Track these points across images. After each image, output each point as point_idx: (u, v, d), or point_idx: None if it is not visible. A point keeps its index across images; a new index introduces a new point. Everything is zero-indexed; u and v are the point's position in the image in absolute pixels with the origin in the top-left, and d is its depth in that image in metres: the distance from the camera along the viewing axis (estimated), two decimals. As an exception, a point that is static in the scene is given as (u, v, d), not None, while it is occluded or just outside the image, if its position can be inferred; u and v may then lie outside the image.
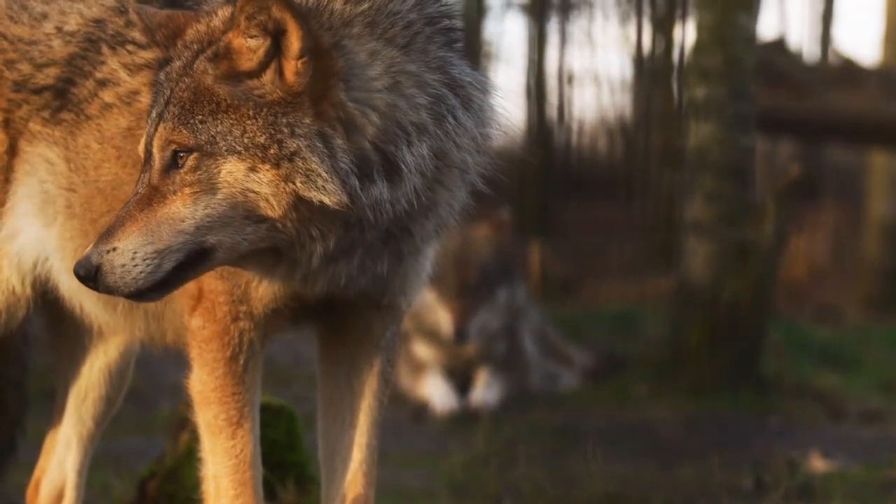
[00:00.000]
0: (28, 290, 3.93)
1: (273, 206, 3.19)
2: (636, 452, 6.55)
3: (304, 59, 3.18)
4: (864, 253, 12.79)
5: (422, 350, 8.32)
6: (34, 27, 3.87)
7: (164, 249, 3.20)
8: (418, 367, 8.32)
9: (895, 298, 12.30)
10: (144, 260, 3.19)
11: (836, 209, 14.31)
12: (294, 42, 3.18)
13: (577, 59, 15.67)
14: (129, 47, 3.76)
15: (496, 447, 6.65)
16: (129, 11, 3.72)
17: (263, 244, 3.25)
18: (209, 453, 3.59)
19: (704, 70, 7.90)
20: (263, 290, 3.50)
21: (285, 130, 3.18)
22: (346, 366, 3.67)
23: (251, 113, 3.19)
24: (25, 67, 3.85)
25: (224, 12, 3.33)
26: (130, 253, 3.20)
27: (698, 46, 7.99)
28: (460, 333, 8.08)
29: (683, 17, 13.84)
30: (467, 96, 3.39)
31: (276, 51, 3.20)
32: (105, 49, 3.78)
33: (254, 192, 3.19)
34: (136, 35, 3.70)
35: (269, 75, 3.20)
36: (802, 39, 16.70)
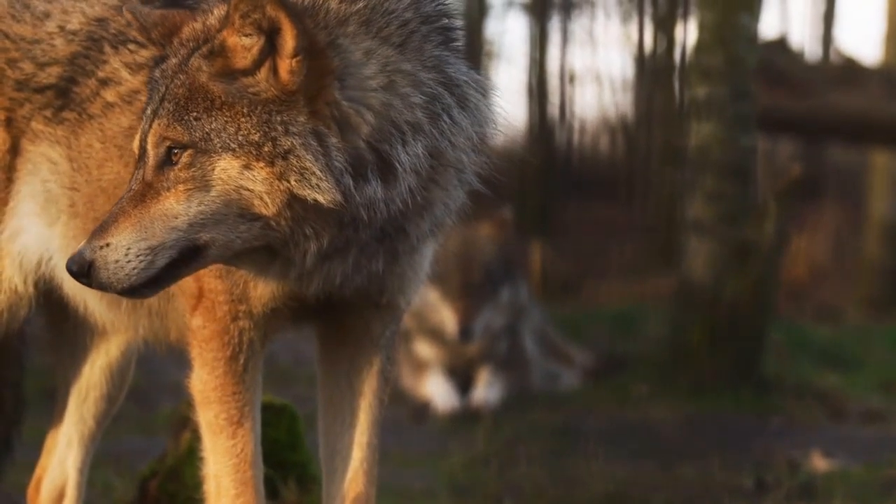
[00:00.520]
0: (30, 290, 3.93)
1: (267, 204, 3.18)
2: (636, 452, 6.55)
3: (298, 58, 3.18)
4: (864, 253, 12.77)
5: (424, 349, 8.31)
6: (37, 26, 3.87)
7: (157, 246, 3.20)
8: (420, 367, 8.31)
9: (896, 298, 12.30)
10: (137, 256, 3.19)
11: (836, 209, 14.28)
12: (288, 41, 3.17)
13: (579, 59, 15.73)
14: (131, 46, 3.76)
15: (497, 447, 6.66)
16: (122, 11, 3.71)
17: (257, 242, 3.24)
18: (210, 452, 3.59)
19: (706, 69, 7.90)
20: (262, 290, 3.50)
21: (280, 128, 3.17)
22: (346, 365, 3.67)
23: (245, 111, 3.19)
24: (28, 66, 3.85)
25: (220, 10, 3.32)
26: (124, 249, 3.19)
27: (700, 46, 7.99)
28: (465, 332, 8.05)
29: (685, 17, 13.86)
30: (463, 95, 3.38)
31: (270, 49, 3.20)
32: (107, 48, 3.78)
33: (248, 189, 3.18)
34: (138, 34, 3.70)
35: (263, 73, 3.20)
36: (804, 39, 16.70)
